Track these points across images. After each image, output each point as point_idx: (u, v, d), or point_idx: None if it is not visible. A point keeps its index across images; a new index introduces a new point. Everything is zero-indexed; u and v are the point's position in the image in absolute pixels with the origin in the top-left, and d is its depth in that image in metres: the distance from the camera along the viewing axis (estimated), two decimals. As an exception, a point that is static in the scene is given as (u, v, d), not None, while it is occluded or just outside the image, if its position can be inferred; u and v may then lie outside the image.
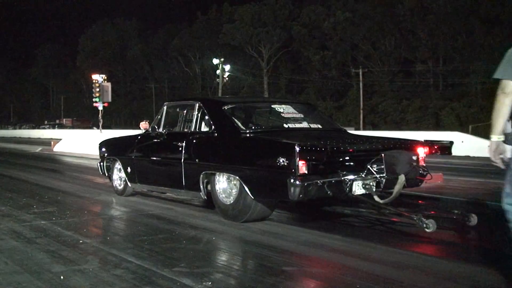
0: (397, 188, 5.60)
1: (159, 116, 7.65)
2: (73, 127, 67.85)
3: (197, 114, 6.93)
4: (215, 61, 52.09)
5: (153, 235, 5.62)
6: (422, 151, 6.11)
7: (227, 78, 52.81)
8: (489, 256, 4.80)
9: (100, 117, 25.47)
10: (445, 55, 51.35)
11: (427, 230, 5.02)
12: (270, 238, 5.50)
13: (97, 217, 6.79)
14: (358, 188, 5.62)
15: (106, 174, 8.87)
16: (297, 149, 5.17)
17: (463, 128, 32.14)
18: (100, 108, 24.82)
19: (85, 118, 75.40)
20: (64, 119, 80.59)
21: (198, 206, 7.52)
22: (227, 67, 53.33)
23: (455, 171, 12.22)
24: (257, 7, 62.58)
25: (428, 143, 6.22)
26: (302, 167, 5.21)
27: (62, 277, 4.08)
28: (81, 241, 5.30)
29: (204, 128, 6.89)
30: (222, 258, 4.88)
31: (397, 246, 5.06)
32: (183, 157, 6.74)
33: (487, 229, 5.89)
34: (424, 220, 5.03)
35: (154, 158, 7.57)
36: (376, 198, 5.70)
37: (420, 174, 6.08)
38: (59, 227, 6.02)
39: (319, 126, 7.12)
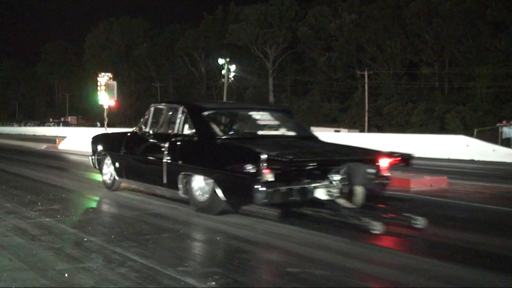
0: (355, 199, 5.98)
1: (146, 117, 8.12)
2: (78, 125, 68.03)
3: (181, 117, 7.34)
4: (221, 61, 52.11)
5: (157, 234, 5.62)
6: (383, 162, 6.51)
7: (232, 79, 52.80)
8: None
9: (105, 115, 25.49)
10: (451, 58, 51.26)
11: (373, 232, 5.45)
12: (274, 239, 5.50)
13: (101, 216, 6.81)
14: (321, 195, 5.99)
15: (97, 168, 9.28)
16: (263, 158, 5.61)
17: (468, 132, 32.05)
18: (106, 106, 24.85)
19: (90, 116, 75.59)
20: (69, 117, 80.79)
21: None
22: (233, 67, 53.36)
23: (460, 175, 12.19)
24: (263, 8, 62.60)
25: (388, 154, 6.63)
26: (267, 174, 5.66)
27: (66, 275, 4.09)
28: (85, 239, 5.31)
29: (186, 131, 7.26)
30: (226, 258, 4.89)
31: (401, 249, 5.05)
32: (165, 157, 7.21)
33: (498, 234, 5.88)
34: (372, 222, 5.49)
35: (140, 156, 8.08)
36: (339, 201, 6.03)
37: (379, 184, 6.44)
38: (64, 224, 6.04)
39: (293, 134, 7.64)
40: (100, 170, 9.12)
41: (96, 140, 9.48)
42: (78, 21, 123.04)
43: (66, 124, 69.86)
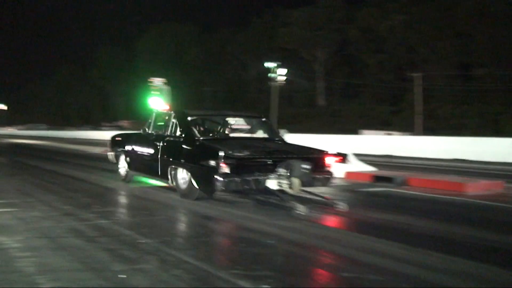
0: (293, 187, 7.41)
1: (149, 120, 9.98)
2: (132, 129, 69.35)
3: (173, 121, 8.99)
4: (269, 64, 52.15)
5: (211, 237, 5.69)
6: (326, 160, 8.16)
7: (282, 82, 52.75)
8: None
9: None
10: (506, 59, 49.73)
11: (298, 212, 6.85)
12: (326, 243, 5.48)
13: (155, 218, 6.91)
14: (272, 185, 7.43)
15: (115, 162, 11.18)
16: (221, 155, 7.03)
17: (525, 135, 31.00)
18: (160, 111, 25.24)
19: (143, 120, 76.89)
20: (122, 121, 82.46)
21: (255, 210, 7.55)
22: (282, 71, 53.31)
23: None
24: (311, 11, 62.34)
25: (329, 154, 8.20)
26: (224, 168, 7.10)
27: (122, 276, 4.18)
28: (140, 241, 5.41)
29: (175, 133, 8.85)
30: (280, 261, 4.89)
31: (457, 254, 4.94)
32: (160, 154, 8.93)
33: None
34: (297, 204, 6.98)
35: (143, 152, 9.78)
36: (286, 190, 7.45)
37: (322, 178, 8.02)
38: (119, 226, 6.17)
39: (260, 136, 9.34)
40: (117, 164, 11.04)
41: (113, 139, 11.55)
42: (130, 26, 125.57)
43: (120, 128, 71.30)
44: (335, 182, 8.79)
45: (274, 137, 9.37)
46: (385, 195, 9.72)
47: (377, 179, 11.48)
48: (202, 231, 5.98)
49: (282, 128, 32.12)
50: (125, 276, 4.20)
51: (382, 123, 53.90)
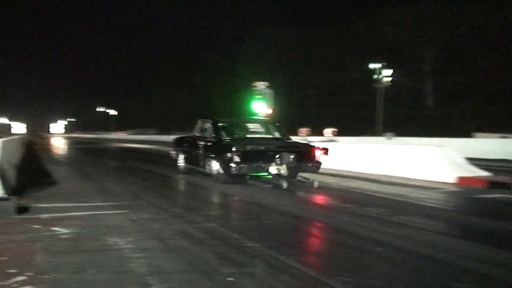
0: (283, 171, 10.44)
1: (196, 126, 13.18)
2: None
3: (209, 126, 12.44)
4: (375, 65, 51.15)
5: (316, 242, 5.61)
6: (312, 152, 11.35)
7: (387, 84, 51.55)
8: None
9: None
10: None
11: (283, 187, 10.16)
12: (438, 252, 5.25)
13: (262, 222, 6.94)
14: (272, 170, 10.55)
15: (176, 158, 14.43)
16: (233, 149, 10.43)
17: None
18: (262, 115, 25.47)
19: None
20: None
21: (369, 218, 7.39)
22: (388, 72, 52.11)
23: None
24: (416, 9, 60.45)
25: (314, 147, 11.50)
26: (236, 157, 10.41)
27: (231, 279, 4.23)
28: (247, 244, 5.46)
29: (211, 135, 12.15)
30: (389, 270, 4.73)
31: None
32: (201, 151, 12.26)
33: None
34: (283, 182, 10.28)
35: (191, 149, 13.09)
36: (280, 173, 10.52)
37: (312, 166, 11.17)
38: (227, 229, 6.27)
39: (270, 136, 12.36)
40: (177, 160, 14.31)
41: (174, 141, 15.02)
42: (232, 31, 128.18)
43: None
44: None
45: (283, 137, 12.38)
46: (502, 201, 9.19)
47: (493, 185, 10.88)
48: (305, 236, 5.93)
49: (389, 131, 31.32)
50: (233, 279, 4.24)
51: (497, 125, 51.10)
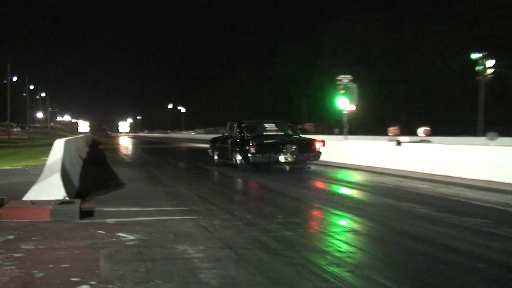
0: (289, 159, 14.81)
1: (226, 127, 17.45)
2: (316, 132, 70.37)
3: (235, 127, 16.66)
4: (476, 55, 49.46)
5: (405, 255, 5.49)
6: (313, 144, 15.74)
7: (490, 76, 49.70)
8: None
9: (345, 121, 25.81)
10: None
11: (285, 170, 15.16)
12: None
13: (343, 231, 6.85)
14: (282, 159, 14.77)
15: (211, 154, 18.89)
16: (251, 143, 14.85)
17: None
18: (345, 111, 25.21)
19: (328, 123, 77.41)
20: (306, 124, 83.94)
21: (456, 226, 7.16)
22: (490, 63, 50.29)
23: None
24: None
25: (315, 140, 16.17)
26: (252, 150, 14.79)
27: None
28: (327, 257, 5.40)
29: (237, 134, 16.37)
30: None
31: None
32: (229, 146, 16.57)
33: None
34: (286, 166, 15.06)
35: (222, 146, 17.49)
36: (287, 161, 14.95)
37: (313, 155, 15.44)
38: (304, 238, 6.23)
39: (282, 133, 16.52)
40: (213, 156, 18.71)
41: (210, 140, 19.77)
42: (313, 22, 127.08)
43: (304, 131, 72.62)
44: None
45: (294, 134, 16.84)
46: None
47: None
48: (394, 248, 5.80)
49: (492, 131, 30.14)
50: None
51: None
